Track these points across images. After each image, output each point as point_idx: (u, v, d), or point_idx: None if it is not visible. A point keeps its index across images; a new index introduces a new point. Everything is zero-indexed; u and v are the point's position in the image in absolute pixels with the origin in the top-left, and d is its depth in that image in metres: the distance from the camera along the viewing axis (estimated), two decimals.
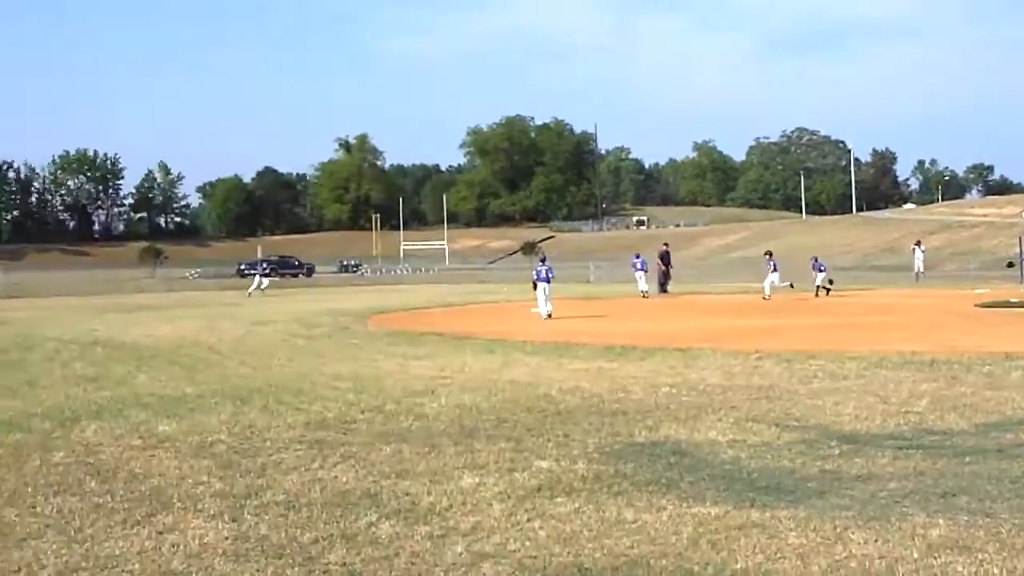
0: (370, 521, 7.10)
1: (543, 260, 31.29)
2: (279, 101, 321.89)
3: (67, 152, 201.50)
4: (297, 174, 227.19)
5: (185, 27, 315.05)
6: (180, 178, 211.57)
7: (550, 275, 29.08)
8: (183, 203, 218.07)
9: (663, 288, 43.69)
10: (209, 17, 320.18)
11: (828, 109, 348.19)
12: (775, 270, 38.99)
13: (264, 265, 60.21)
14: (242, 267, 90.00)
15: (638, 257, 44.16)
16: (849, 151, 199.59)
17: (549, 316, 28.19)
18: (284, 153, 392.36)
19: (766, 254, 41.39)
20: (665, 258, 45.12)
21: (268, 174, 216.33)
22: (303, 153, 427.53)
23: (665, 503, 7.44)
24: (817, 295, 39.57)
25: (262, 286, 50.79)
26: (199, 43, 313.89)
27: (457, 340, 21.35)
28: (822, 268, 41.02)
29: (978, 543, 6.33)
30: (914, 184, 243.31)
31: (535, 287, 29.03)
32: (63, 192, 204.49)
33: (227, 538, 6.73)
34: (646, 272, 42.61)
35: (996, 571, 5.83)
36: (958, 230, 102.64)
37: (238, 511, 7.40)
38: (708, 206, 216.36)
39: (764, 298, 37.14)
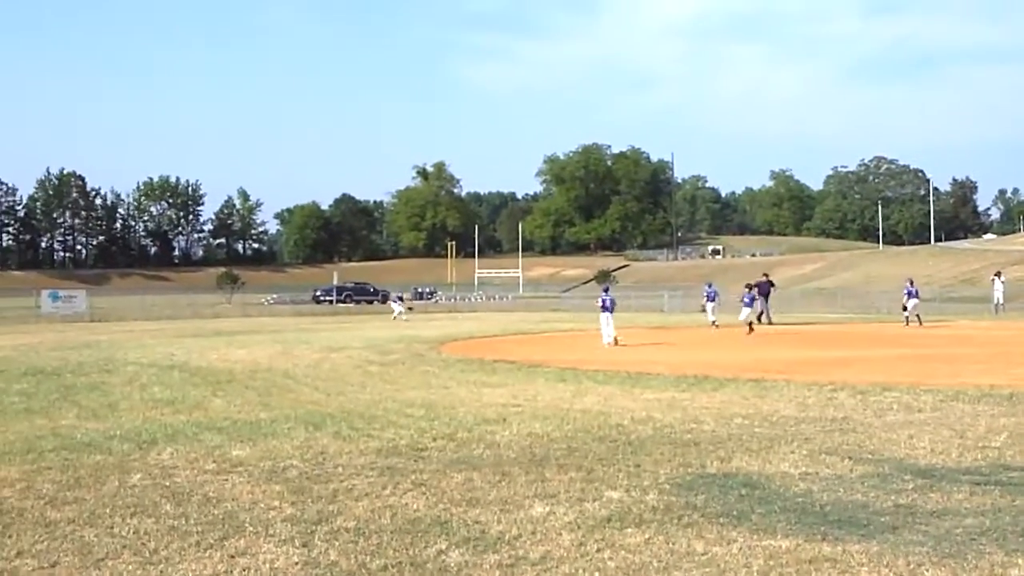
0: (439, 549, 7.11)
1: (606, 289, 32.90)
2: (358, 129, 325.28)
3: (151, 179, 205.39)
4: (374, 201, 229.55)
5: (266, 56, 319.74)
6: (259, 204, 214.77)
7: (613, 304, 30.39)
8: (261, 229, 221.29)
9: (765, 318, 42.04)
10: (289, 46, 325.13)
11: (907, 137, 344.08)
12: (747, 304, 38.82)
13: (400, 294, 64.68)
14: (318, 293, 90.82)
15: (710, 287, 43.84)
16: (928, 180, 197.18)
17: (615, 342, 29.07)
18: (362, 180, 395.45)
19: (746, 286, 40.92)
20: (763, 288, 43.77)
21: (345, 201, 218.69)
22: (381, 180, 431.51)
23: (736, 535, 7.38)
24: (907, 323, 39.24)
25: (402, 313, 53.99)
26: (280, 71, 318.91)
27: (530, 368, 21.35)
28: (915, 294, 40.46)
29: None
30: (995, 214, 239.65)
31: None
32: (146, 218, 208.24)
33: (297, 563, 6.79)
34: (715, 303, 42.15)
35: None
36: None
37: (309, 536, 7.46)
38: (784, 235, 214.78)
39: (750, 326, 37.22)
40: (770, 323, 41.65)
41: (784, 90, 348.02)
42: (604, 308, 30.05)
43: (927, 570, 6.47)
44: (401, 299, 60.54)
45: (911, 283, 42.00)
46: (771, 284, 45.12)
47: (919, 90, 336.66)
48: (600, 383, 18.18)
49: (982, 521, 7.72)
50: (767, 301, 43.36)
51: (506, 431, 12.50)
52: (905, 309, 40.65)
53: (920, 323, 39.48)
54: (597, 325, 30.69)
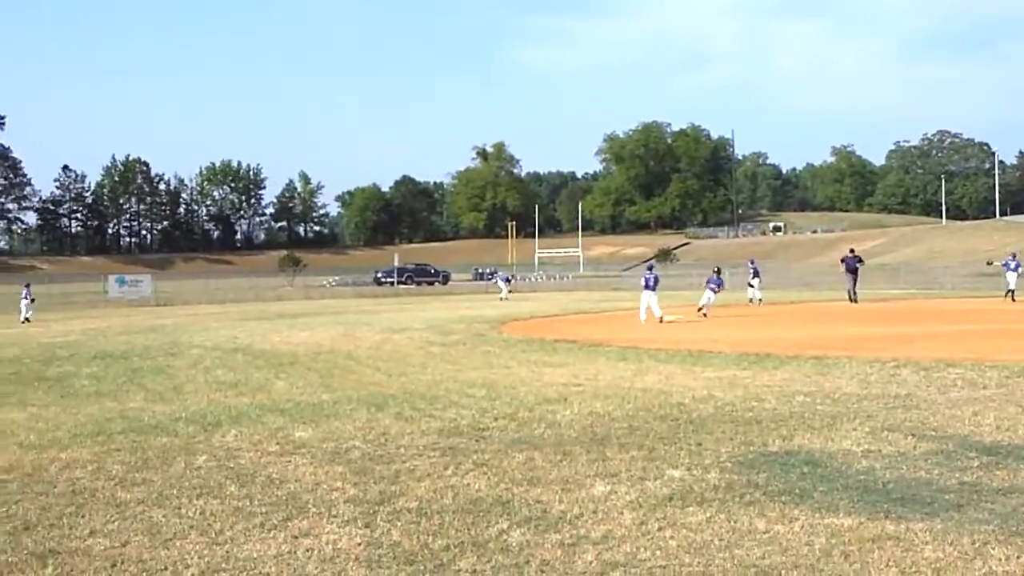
0: (501, 529, 7.15)
1: (651, 268, 32.80)
2: (418, 110, 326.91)
3: (213, 164, 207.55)
4: (434, 183, 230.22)
5: (325, 40, 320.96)
6: (320, 187, 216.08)
7: (656, 282, 30.64)
8: (322, 212, 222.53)
9: (851, 295, 40.06)
10: (348, 29, 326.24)
11: (971, 111, 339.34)
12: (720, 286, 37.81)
13: (499, 273, 65.43)
14: (379, 275, 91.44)
15: (752, 263, 43.60)
16: (993, 153, 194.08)
17: (660, 320, 29.51)
18: (422, 162, 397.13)
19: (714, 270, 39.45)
20: (850, 264, 41.18)
21: (405, 183, 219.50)
22: (441, 162, 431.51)
23: (798, 513, 7.35)
24: (1010, 298, 39.03)
25: (506, 293, 54.86)
26: (339, 52, 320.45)
27: (590, 348, 21.36)
28: (1014, 268, 39.90)
29: None
30: None
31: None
32: (208, 203, 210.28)
33: (360, 544, 6.85)
34: (716, 291, 40.81)
35: None
36: None
37: (371, 517, 7.53)
38: (846, 211, 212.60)
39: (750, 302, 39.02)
40: (855, 301, 39.27)
41: (843, 66, 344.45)
42: (647, 286, 30.25)
43: (993, 548, 6.40)
44: (509, 280, 60.61)
45: (1013, 256, 41.81)
46: (858, 260, 41.60)
47: (980, 62, 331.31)
48: (661, 362, 18.14)
49: None
50: (855, 277, 40.54)
51: (567, 411, 12.52)
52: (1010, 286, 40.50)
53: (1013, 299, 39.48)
54: (663, 304, 30.60)
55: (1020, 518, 7.09)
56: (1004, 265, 41.80)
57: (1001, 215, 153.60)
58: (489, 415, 12.26)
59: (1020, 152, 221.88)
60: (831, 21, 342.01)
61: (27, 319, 41.54)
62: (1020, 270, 40.66)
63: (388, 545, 6.81)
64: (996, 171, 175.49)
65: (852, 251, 43.32)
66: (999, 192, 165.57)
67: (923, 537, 6.68)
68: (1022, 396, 12.92)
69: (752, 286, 42.40)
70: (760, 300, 41.52)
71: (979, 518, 7.12)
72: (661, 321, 29.17)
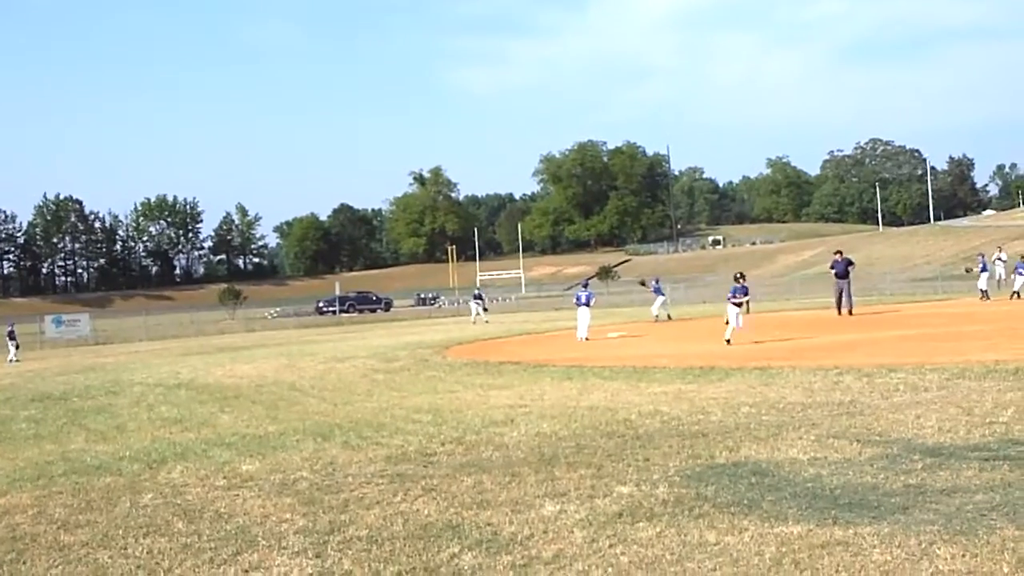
0: (452, 553, 7.11)
1: (585, 285, 33.12)
2: (353, 138, 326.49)
3: (148, 199, 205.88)
4: (372, 209, 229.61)
5: (257, 72, 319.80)
6: (257, 219, 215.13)
7: (590, 299, 30.75)
8: (261, 244, 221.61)
9: (846, 304, 36.02)
10: (280, 62, 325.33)
11: (902, 118, 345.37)
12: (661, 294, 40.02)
13: (479, 291, 61.11)
14: (320, 304, 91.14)
15: (657, 282, 43.80)
16: (924, 160, 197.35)
17: (584, 339, 29.62)
18: (359, 189, 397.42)
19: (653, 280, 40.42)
20: (839, 268, 36.86)
21: (344, 211, 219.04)
22: (379, 189, 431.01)
23: (747, 524, 7.38)
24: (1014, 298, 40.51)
25: (480, 314, 53.93)
26: (272, 82, 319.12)
27: (535, 368, 21.36)
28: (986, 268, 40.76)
29: None
30: (993, 190, 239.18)
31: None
32: (145, 238, 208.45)
33: (311, 574, 6.80)
34: (664, 297, 41.62)
35: None
36: None
37: (322, 547, 7.46)
38: (784, 222, 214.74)
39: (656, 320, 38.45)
40: (848, 311, 35.49)
41: (777, 77, 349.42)
42: (580, 303, 30.49)
43: (939, 548, 6.47)
44: (480, 298, 58.06)
45: (981, 256, 43.22)
46: (849, 263, 37.00)
47: (911, 71, 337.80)
48: (606, 379, 18.19)
49: (992, 497, 7.72)
50: (848, 282, 36.32)
51: (514, 432, 12.50)
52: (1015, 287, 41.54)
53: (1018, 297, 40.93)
54: (601, 322, 30.77)
55: (964, 517, 7.17)
56: (981, 269, 43.05)
57: (935, 220, 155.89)
58: (436, 440, 12.21)
59: (951, 158, 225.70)
60: (763, 32, 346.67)
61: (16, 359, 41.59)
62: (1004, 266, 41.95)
63: (339, 574, 6.76)
64: (928, 177, 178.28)
65: (839, 253, 39.22)
66: (932, 198, 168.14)
67: (871, 541, 6.73)
68: (962, 398, 13.07)
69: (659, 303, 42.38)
70: (668, 316, 41.70)
71: (924, 519, 7.19)
72: (585, 340, 29.47)
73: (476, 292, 59.68)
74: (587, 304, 30.26)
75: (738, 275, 26.35)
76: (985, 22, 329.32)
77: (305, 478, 10.26)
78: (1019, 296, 40.92)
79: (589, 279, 46.93)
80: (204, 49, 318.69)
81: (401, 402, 16.68)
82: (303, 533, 7.93)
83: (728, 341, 24.68)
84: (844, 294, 36.00)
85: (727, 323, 25.22)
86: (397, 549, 7.29)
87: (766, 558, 6.53)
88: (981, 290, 42.74)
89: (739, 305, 25.00)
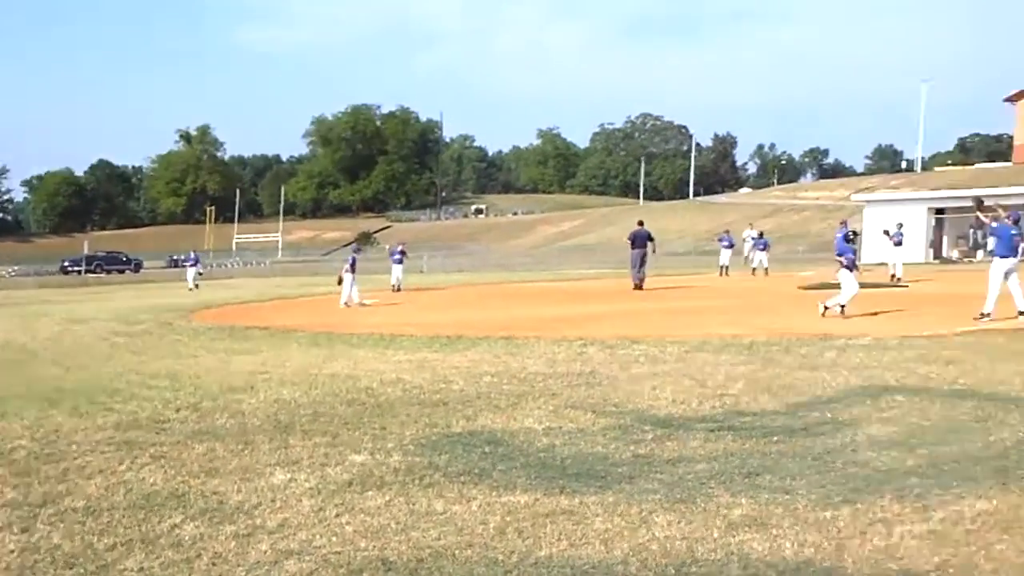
0: (174, 523, 6.91)
1: (357, 250, 33.27)
2: (118, 92, 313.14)
3: None
4: (133, 167, 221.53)
5: (11, 12, 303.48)
6: (4, 171, 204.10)
7: (353, 265, 30.25)
8: (6, 198, 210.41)
9: (761, 271, 36.20)
10: (41, 9, 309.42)
11: (674, 95, 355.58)
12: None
13: (193, 257, 53.26)
14: (65, 263, 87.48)
15: (400, 247, 41.85)
16: (691, 136, 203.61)
17: (347, 305, 29.38)
18: (124, 147, 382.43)
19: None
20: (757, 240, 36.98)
21: (102, 167, 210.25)
22: (145, 145, 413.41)
23: (475, 493, 7.42)
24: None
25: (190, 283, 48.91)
26: (28, 27, 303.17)
27: (283, 334, 21.00)
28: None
29: (775, 519, 6.50)
30: (752, 168, 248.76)
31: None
32: None
33: (13, 551, 6.43)
34: (401, 263, 39.25)
35: (789, 545, 6.00)
36: (789, 213, 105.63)
37: (30, 521, 7.08)
38: (549, 193, 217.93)
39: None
40: (640, 286, 33.62)
41: (558, 49, 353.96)
42: (346, 271, 30.17)
43: (658, 516, 6.66)
44: (197, 262, 52.39)
45: (760, 235, 44.73)
46: (649, 236, 34.91)
47: (683, 49, 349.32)
48: (353, 346, 18.03)
49: (713, 466, 8.00)
50: (641, 254, 34.23)
51: (252, 399, 12.23)
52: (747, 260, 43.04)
53: (766, 274, 42.48)
54: (357, 288, 30.49)
55: (685, 486, 7.40)
56: (726, 245, 44.78)
57: (695, 195, 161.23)
58: (171, 406, 11.83)
59: (716, 135, 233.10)
60: (550, 2, 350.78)
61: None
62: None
63: (46, 549, 6.43)
64: (693, 153, 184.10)
65: (641, 223, 36.19)
66: (695, 173, 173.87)
67: (594, 510, 6.87)
68: (697, 370, 13.50)
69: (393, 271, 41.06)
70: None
71: (648, 488, 7.39)
72: (347, 307, 29.23)
73: (194, 257, 53.23)
74: (351, 270, 29.87)
75: (356, 247, 26.69)
76: (751, 6, 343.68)
77: (23, 447, 9.71)
78: (765, 273, 42.70)
79: (347, 244, 45.89)
80: None
81: (139, 367, 16.08)
82: (11, 506, 7.50)
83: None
84: (637, 267, 34.20)
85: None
86: (115, 520, 7.03)
87: (491, 527, 6.58)
88: (721, 266, 44.36)
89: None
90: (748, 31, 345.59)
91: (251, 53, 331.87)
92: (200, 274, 50.68)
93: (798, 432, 9.20)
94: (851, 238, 21.82)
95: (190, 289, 46.70)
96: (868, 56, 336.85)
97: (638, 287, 33.43)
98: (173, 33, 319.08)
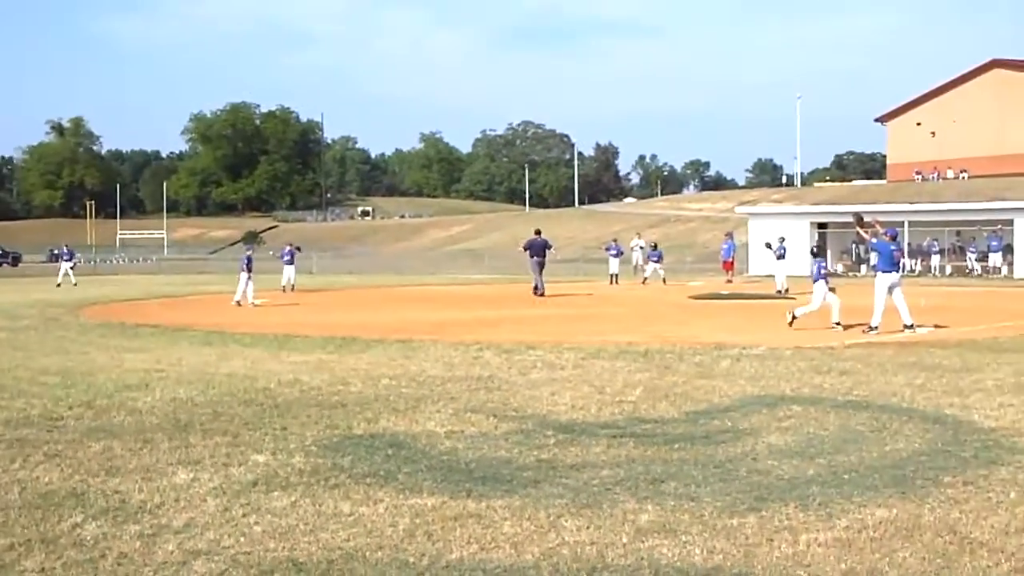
0: (75, 523, 6.77)
1: (251, 248, 33.69)
2: None
3: None
4: (3, 157, 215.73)
5: None
6: None
7: (247, 264, 30.23)
8: None
9: (539, 285, 33.71)
10: None
11: (555, 104, 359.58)
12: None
13: (66, 252, 49.68)
14: None
15: (289, 248, 40.88)
16: (573, 145, 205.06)
17: (239, 304, 29.39)
18: None
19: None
20: (536, 247, 34.80)
21: None
22: (11, 136, 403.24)
23: (382, 495, 7.42)
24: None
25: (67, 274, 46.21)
26: None
27: (174, 332, 20.71)
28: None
29: (683, 526, 6.59)
30: (635, 179, 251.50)
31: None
32: None
33: None
34: (292, 264, 38.72)
35: (698, 551, 6.09)
36: (675, 224, 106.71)
37: None
38: (434, 197, 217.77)
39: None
40: (542, 294, 33.38)
41: (440, 55, 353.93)
42: (242, 269, 30.19)
43: (566, 520, 6.72)
44: (74, 257, 50.30)
45: (655, 247, 45.25)
46: (547, 244, 35.44)
47: (565, 59, 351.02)
48: (246, 346, 17.86)
49: (617, 472, 8.10)
50: (537, 262, 34.38)
51: (148, 397, 12.05)
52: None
53: (664, 283, 42.51)
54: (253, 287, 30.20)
55: (590, 491, 7.48)
56: (614, 254, 45.22)
57: (580, 204, 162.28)
58: (63, 404, 11.59)
59: (597, 145, 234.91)
60: (430, 10, 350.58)
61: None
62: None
63: None
64: (576, 162, 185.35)
65: (538, 232, 36.19)
66: (578, 182, 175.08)
67: (502, 513, 6.91)
68: (595, 376, 13.65)
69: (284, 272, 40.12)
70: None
71: (554, 493, 7.45)
72: (239, 305, 29.09)
73: (67, 251, 50.17)
74: (248, 269, 29.66)
75: (250, 246, 26.76)
76: (635, 19, 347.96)
77: None
78: (664, 283, 43.24)
79: (235, 243, 45.22)
80: None
81: (26, 363, 15.70)
82: None
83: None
84: (537, 274, 34.13)
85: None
86: (11, 519, 6.88)
87: (400, 529, 6.59)
88: (611, 274, 44.76)
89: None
90: (621, 44, 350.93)
91: (120, 45, 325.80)
92: (72, 268, 48.43)
93: (699, 440, 9.36)
94: (815, 252, 22.10)
95: (58, 284, 44.14)
96: (744, 71, 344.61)
97: (539, 294, 33.36)
98: (30, 18, 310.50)
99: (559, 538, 6.37)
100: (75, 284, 44.22)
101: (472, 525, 6.66)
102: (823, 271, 21.09)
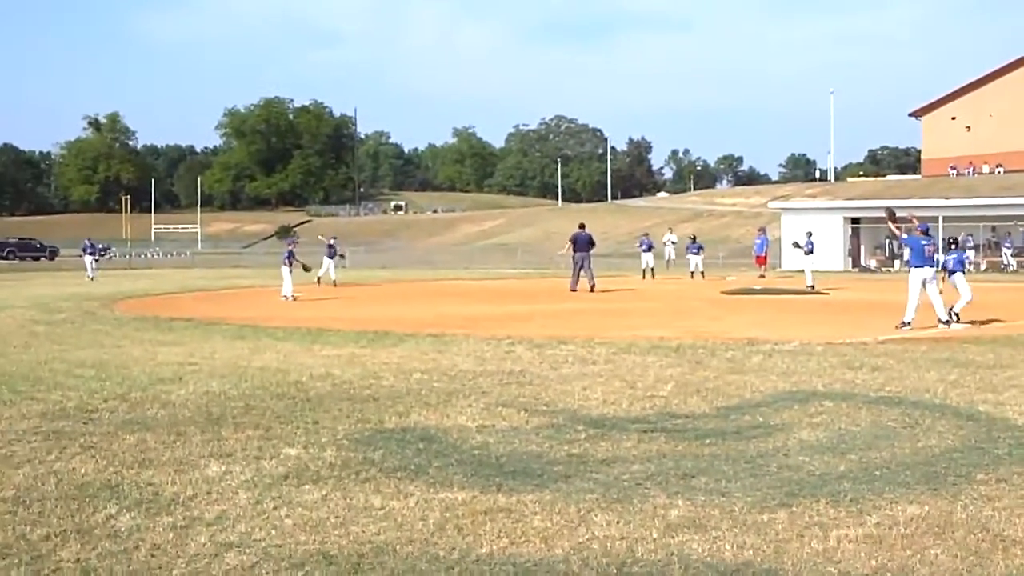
0: (109, 514, 6.83)
1: (292, 243, 33.30)
2: (23, 75, 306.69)
3: None
4: (41, 152, 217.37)
5: None
6: None
7: (290, 258, 30.51)
8: None
9: (588, 281, 33.30)
10: None
11: (587, 98, 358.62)
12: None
13: (88, 245, 50.28)
14: None
15: (331, 241, 40.61)
16: (606, 139, 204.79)
17: (295, 298, 29.39)
18: (28, 130, 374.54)
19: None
20: (581, 241, 33.95)
21: (7, 151, 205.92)
22: (50, 131, 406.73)
23: (413, 489, 7.44)
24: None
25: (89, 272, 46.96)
26: None
27: (207, 326, 20.83)
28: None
29: (713, 521, 6.57)
30: (668, 173, 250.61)
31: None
32: None
33: None
34: (332, 258, 39.01)
35: (728, 547, 6.07)
36: (708, 219, 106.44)
37: None
38: (467, 192, 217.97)
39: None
40: (592, 289, 32.80)
41: (469, 49, 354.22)
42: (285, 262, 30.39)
43: (596, 515, 6.71)
44: (97, 250, 51.27)
45: (693, 239, 45.81)
46: (591, 239, 34.33)
47: (598, 53, 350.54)
48: (279, 340, 17.94)
49: (648, 467, 8.08)
50: (586, 257, 33.60)
51: (182, 390, 12.13)
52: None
53: (703, 277, 42.85)
54: (279, 282, 30.40)
55: (621, 486, 7.48)
56: (645, 248, 45.00)
57: (613, 198, 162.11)
58: (98, 396, 11.68)
59: (630, 139, 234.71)
60: (457, 3, 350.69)
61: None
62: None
63: None
64: (608, 156, 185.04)
65: (582, 226, 35.14)
66: (611, 177, 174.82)
67: (532, 508, 6.91)
68: (627, 371, 13.64)
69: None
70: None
71: (584, 487, 7.45)
72: (293, 299, 29.32)
73: (90, 245, 50.83)
74: (288, 263, 30.01)
75: (292, 240, 27.10)
76: (663, 12, 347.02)
77: None
78: (702, 276, 43.18)
79: (267, 238, 45.55)
80: None
81: (62, 355, 15.84)
82: None
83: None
84: (583, 269, 33.41)
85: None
86: (47, 510, 6.93)
87: (430, 523, 6.60)
88: (643, 269, 44.65)
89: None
90: (650, 38, 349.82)
91: (154, 41, 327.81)
92: (96, 262, 49.16)
93: (730, 435, 9.33)
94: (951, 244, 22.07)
95: (91, 278, 44.97)
96: (776, 65, 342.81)
97: (591, 288, 32.70)
98: (75, 17, 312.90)
99: (589, 533, 6.37)
100: (91, 279, 44.46)
101: (502, 519, 6.66)
102: (961, 263, 21.01)
